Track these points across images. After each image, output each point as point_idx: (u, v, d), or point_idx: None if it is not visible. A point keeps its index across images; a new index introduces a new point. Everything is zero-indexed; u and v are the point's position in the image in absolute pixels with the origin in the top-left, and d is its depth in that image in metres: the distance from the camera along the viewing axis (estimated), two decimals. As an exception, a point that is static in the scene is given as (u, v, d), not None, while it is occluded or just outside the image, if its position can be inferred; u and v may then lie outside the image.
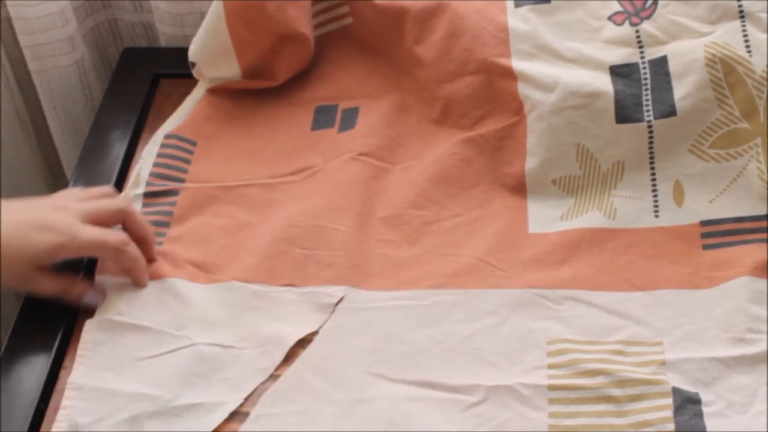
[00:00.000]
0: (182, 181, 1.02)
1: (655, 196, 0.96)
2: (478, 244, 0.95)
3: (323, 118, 1.08)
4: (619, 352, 0.85)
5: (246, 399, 0.84)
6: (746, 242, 0.92)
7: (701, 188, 0.96)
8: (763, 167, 0.94)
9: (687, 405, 0.81)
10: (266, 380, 0.85)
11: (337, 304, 0.90)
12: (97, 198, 0.93)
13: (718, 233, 0.94)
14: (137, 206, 0.99)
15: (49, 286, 0.90)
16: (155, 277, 0.93)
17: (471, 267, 0.92)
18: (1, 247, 0.84)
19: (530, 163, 0.99)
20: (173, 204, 1.00)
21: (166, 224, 0.98)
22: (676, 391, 0.81)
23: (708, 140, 0.96)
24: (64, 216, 0.88)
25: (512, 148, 1.00)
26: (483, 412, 0.82)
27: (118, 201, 0.95)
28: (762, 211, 0.94)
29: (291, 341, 0.87)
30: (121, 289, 0.92)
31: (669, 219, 0.95)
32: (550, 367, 0.84)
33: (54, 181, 1.34)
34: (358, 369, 0.85)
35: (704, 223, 0.94)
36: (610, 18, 1.02)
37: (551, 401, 0.82)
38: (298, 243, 0.95)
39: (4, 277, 0.86)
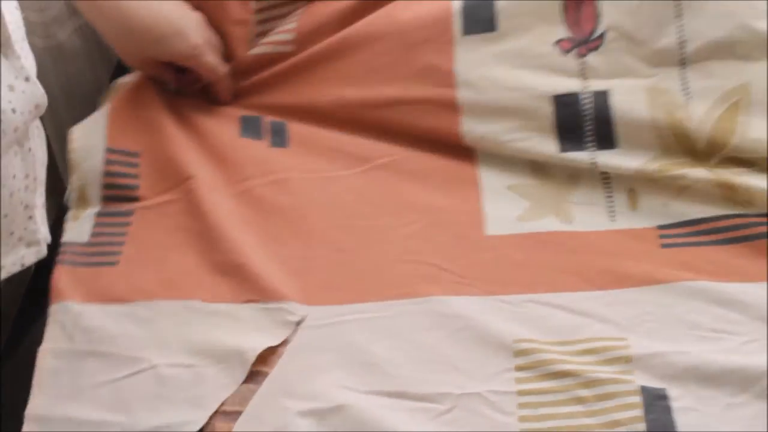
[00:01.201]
0: (135, 199, 1.01)
1: (611, 202, 0.98)
2: (437, 249, 0.95)
3: (250, 127, 1.07)
4: (586, 351, 0.85)
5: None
6: (704, 243, 0.94)
7: (655, 195, 0.97)
8: (716, 178, 0.96)
9: (656, 402, 0.81)
10: (239, 402, 0.84)
11: (299, 323, 0.89)
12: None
13: (675, 235, 0.95)
14: (88, 227, 0.99)
15: (160, 74, 1.08)
16: (110, 299, 0.92)
17: (432, 276, 0.92)
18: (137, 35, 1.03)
19: (484, 172, 1.01)
20: (127, 224, 0.99)
21: (121, 243, 0.97)
22: (643, 390, 0.82)
23: (655, 162, 0.98)
24: (200, 35, 1.06)
25: (462, 161, 1.02)
26: (453, 419, 0.82)
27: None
28: (715, 213, 0.95)
29: (252, 355, 0.86)
30: (75, 316, 0.91)
31: (625, 223, 0.96)
32: (518, 369, 0.84)
33: (51, 181, 1.32)
34: (327, 384, 0.84)
35: (661, 226, 0.96)
36: (556, 44, 1.02)
37: (521, 405, 0.82)
38: (256, 266, 0.94)
39: (133, 61, 1.08)
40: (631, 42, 1.00)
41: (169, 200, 1.01)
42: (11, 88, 0.82)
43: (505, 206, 0.99)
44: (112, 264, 0.95)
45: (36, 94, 0.84)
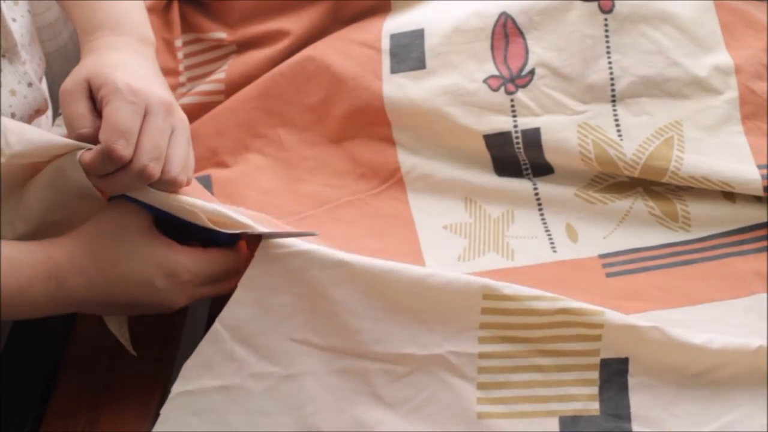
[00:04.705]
0: None
1: (549, 235, 0.97)
2: None
3: None
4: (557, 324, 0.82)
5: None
6: (649, 269, 0.93)
7: (593, 228, 0.97)
8: (651, 203, 0.97)
9: (613, 378, 0.79)
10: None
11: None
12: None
13: (618, 263, 0.94)
14: None
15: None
16: None
17: None
18: None
19: (417, 214, 0.99)
20: None
21: None
22: (604, 364, 0.80)
23: (592, 188, 0.99)
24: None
25: (394, 204, 1.00)
26: (412, 383, 0.78)
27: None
28: (656, 242, 0.95)
29: None
30: None
31: (568, 253, 0.95)
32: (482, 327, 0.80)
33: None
34: (280, 335, 0.79)
35: (603, 255, 0.95)
36: (485, 81, 1.02)
37: (481, 370, 0.78)
38: None
39: None
40: (560, 78, 1.01)
41: None
42: (13, 92, 0.85)
43: (442, 247, 0.96)
44: None
45: (38, 99, 0.88)
